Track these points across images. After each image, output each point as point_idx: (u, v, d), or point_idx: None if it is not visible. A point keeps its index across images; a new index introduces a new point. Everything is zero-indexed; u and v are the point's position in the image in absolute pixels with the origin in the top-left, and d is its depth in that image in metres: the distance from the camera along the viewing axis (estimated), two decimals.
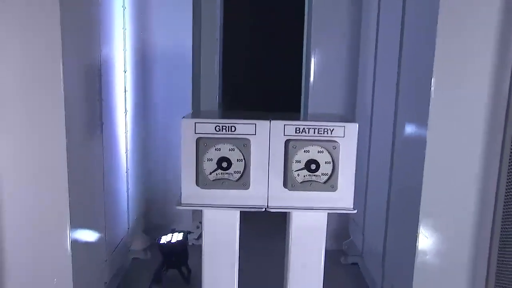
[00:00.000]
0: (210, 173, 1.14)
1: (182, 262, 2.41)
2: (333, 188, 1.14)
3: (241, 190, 1.15)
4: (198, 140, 1.13)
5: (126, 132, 2.46)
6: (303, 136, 1.13)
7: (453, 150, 1.71)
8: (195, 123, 1.13)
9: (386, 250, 2.18)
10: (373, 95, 2.45)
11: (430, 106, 1.67)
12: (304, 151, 1.14)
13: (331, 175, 1.14)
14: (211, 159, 1.14)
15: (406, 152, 1.96)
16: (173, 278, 2.40)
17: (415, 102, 1.87)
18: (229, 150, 1.13)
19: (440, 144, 1.70)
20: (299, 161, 1.14)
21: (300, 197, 1.16)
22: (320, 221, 1.20)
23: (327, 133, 1.13)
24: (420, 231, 1.79)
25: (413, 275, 1.80)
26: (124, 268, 2.50)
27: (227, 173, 1.14)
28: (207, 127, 1.13)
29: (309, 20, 2.88)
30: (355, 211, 1.16)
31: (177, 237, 2.42)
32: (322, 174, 1.14)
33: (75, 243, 1.71)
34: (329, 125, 1.13)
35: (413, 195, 1.80)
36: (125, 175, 2.49)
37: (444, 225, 1.78)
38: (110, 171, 2.25)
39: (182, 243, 2.40)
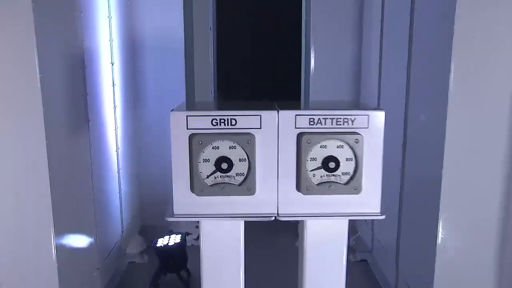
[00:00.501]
0: (207, 177, 0.91)
1: (181, 265, 2.21)
2: (356, 190, 0.92)
3: (245, 196, 0.92)
4: (191, 137, 0.90)
5: (116, 129, 2.23)
6: (318, 128, 0.90)
7: (475, 138, 1.52)
8: (187, 116, 0.90)
9: (400, 247, 1.97)
10: (379, 80, 2.23)
11: (449, 90, 1.48)
12: (321, 147, 0.90)
13: (353, 175, 0.91)
14: (208, 160, 0.91)
15: (421, 141, 1.75)
16: (172, 283, 2.19)
17: (431, 85, 1.66)
18: (230, 148, 0.90)
19: (461, 131, 1.51)
20: (314, 159, 0.91)
21: (317, 202, 0.93)
22: (340, 229, 0.97)
23: (348, 123, 0.90)
24: (440, 227, 1.59)
25: (433, 275, 1.61)
26: (119, 274, 2.29)
27: (227, 176, 0.91)
28: (202, 121, 0.90)
29: (307, 3, 2.64)
30: (383, 217, 0.93)
31: (175, 239, 2.21)
32: (343, 173, 0.91)
33: (61, 251, 1.55)
34: (350, 114, 0.90)
35: (431, 187, 1.61)
36: (117, 175, 2.26)
37: (467, 220, 1.59)
38: (100, 171, 2.03)
39: (180, 246, 2.20)
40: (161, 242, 2.19)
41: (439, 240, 1.60)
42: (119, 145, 2.27)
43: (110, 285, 2.13)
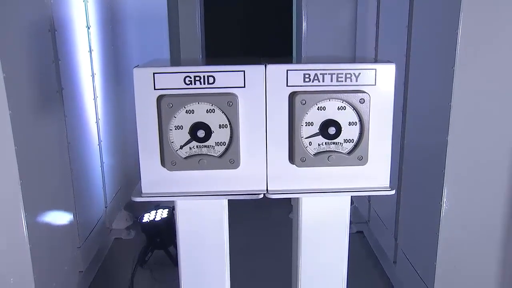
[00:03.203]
0: (181, 148, 0.74)
1: (169, 241, 2.05)
2: (362, 160, 0.74)
3: (227, 170, 0.74)
4: (159, 99, 0.72)
5: (95, 98, 2.03)
6: (315, 86, 0.72)
7: (484, 102, 1.34)
8: (153, 73, 0.71)
9: (400, 219, 1.82)
10: (376, 40, 2.03)
11: (456, 49, 1.29)
12: (318, 109, 0.73)
13: (358, 142, 0.74)
14: (180, 127, 0.73)
15: (424, 105, 1.57)
16: (160, 260, 2.04)
17: (435, 45, 1.47)
18: (207, 112, 0.72)
19: (469, 95, 1.33)
20: (311, 124, 0.73)
21: (314, 176, 0.75)
22: (342, 207, 0.81)
23: (351, 80, 0.72)
24: (444, 199, 1.43)
25: (436, 248, 1.47)
26: (104, 251, 2.13)
27: (205, 147, 0.74)
28: (173, 78, 0.71)
29: None
30: (393, 192, 0.77)
31: (162, 214, 2.05)
32: (345, 141, 0.74)
33: (34, 230, 1.38)
34: (354, 68, 0.72)
35: (435, 156, 1.44)
36: (98, 148, 2.07)
37: (473, 192, 1.43)
38: (78, 144, 1.84)
39: (167, 221, 2.04)
40: (147, 217, 2.03)
41: (443, 213, 1.45)
42: (100, 116, 2.08)
43: (94, 263, 1.98)
